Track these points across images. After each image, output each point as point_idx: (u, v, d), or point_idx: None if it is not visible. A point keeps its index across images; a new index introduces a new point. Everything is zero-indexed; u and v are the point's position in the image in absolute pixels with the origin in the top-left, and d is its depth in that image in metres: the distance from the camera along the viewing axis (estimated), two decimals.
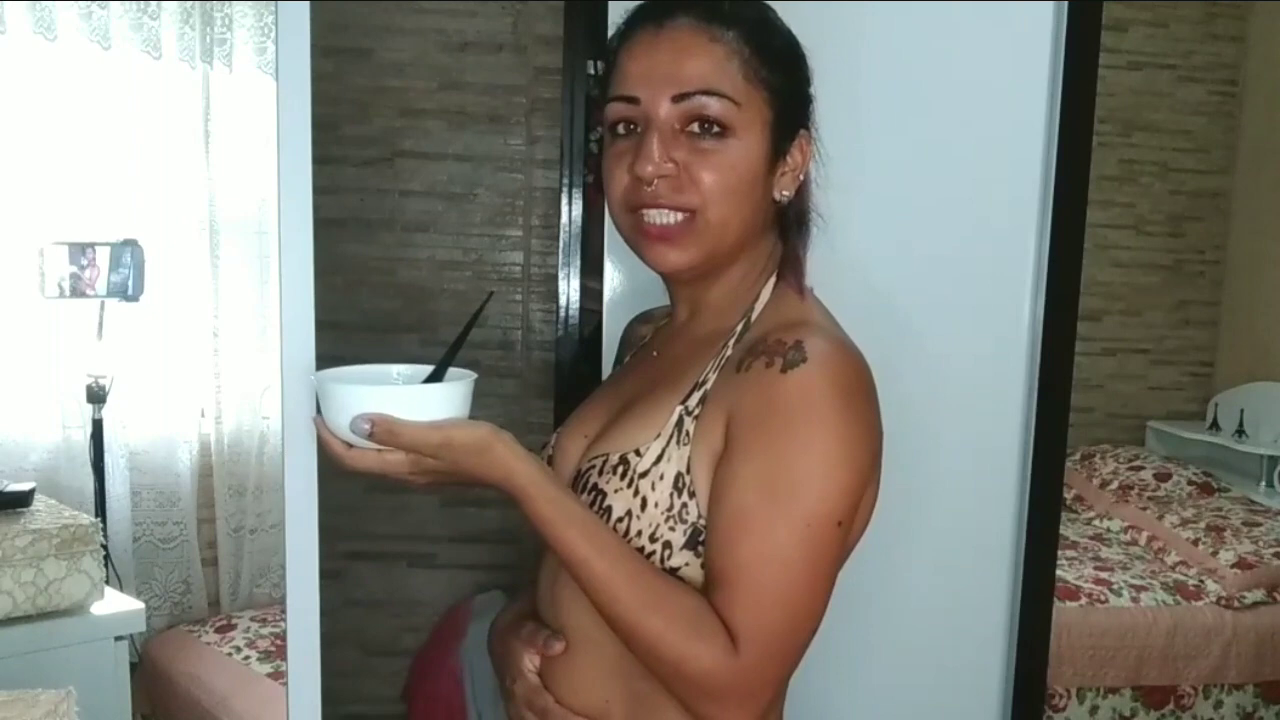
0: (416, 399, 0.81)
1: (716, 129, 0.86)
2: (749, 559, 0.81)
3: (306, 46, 0.93)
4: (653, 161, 0.85)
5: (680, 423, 0.87)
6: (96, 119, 2.18)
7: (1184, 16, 3.82)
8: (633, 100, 0.87)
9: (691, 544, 0.85)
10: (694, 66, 0.86)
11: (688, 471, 0.85)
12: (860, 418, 0.84)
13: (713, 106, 0.86)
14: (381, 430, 0.78)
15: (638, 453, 0.86)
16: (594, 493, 0.87)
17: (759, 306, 0.93)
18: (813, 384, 0.82)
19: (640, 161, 0.86)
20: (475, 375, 0.85)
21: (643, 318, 1.14)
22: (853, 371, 0.85)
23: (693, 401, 0.87)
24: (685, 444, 0.86)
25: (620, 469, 0.86)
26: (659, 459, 0.86)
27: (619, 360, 1.14)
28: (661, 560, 0.85)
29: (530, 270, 1.97)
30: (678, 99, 0.86)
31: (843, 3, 1.58)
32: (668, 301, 1.04)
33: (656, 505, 0.85)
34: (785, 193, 0.92)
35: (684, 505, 0.85)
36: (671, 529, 0.85)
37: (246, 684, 2.04)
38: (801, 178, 0.94)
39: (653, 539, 0.85)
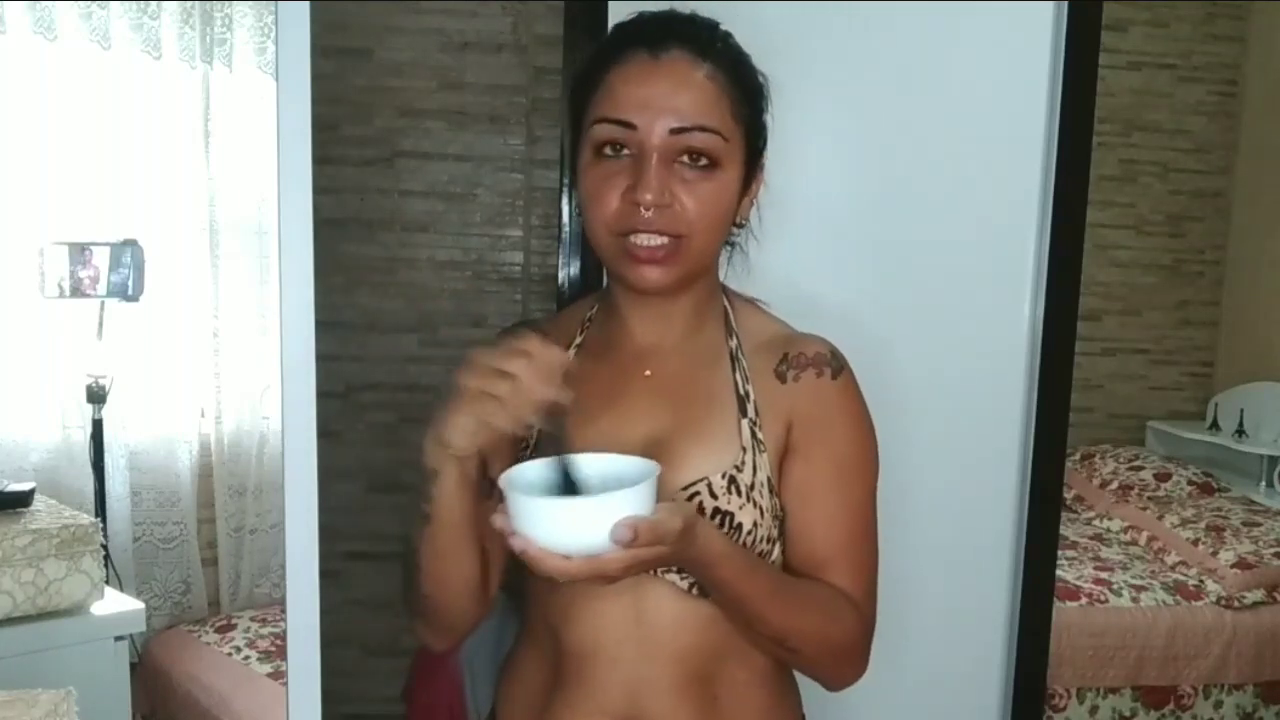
0: (647, 494, 0.77)
1: (705, 161, 0.91)
2: (848, 537, 0.97)
3: (306, 46, 0.93)
4: (652, 190, 0.89)
5: (754, 434, 0.96)
6: (96, 119, 2.18)
7: (1184, 16, 3.83)
8: (629, 125, 0.90)
9: (780, 535, 0.98)
10: (692, 101, 0.90)
11: (771, 473, 0.96)
12: None
13: (707, 141, 0.90)
14: (646, 531, 0.75)
15: (738, 468, 0.94)
16: (718, 515, 0.92)
17: (733, 319, 1.02)
18: (854, 383, 0.99)
19: (641, 189, 0.89)
20: (659, 466, 0.81)
21: (535, 330, 1.03)
22: None
23: (751, 413, 0.96)
24: (764, 451, 0.96)
25: (732, 487, 0.93)
26: (755, 470, 0.95)
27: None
28: (769, 557, 0.96)
29: (530, 270, 1.97)
30: (676, 131, 0.90)
31: (844, 3, 1.58)
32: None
33: (766, 511, 0.95)
34: (744, 218, 1.00)
35: (775, 503, 0.96)
36: (774, 528, 0.96)
37: (246, 684, 2.04)
38: (754, 201, 1.01)
39: (769, 540, 0.95)
